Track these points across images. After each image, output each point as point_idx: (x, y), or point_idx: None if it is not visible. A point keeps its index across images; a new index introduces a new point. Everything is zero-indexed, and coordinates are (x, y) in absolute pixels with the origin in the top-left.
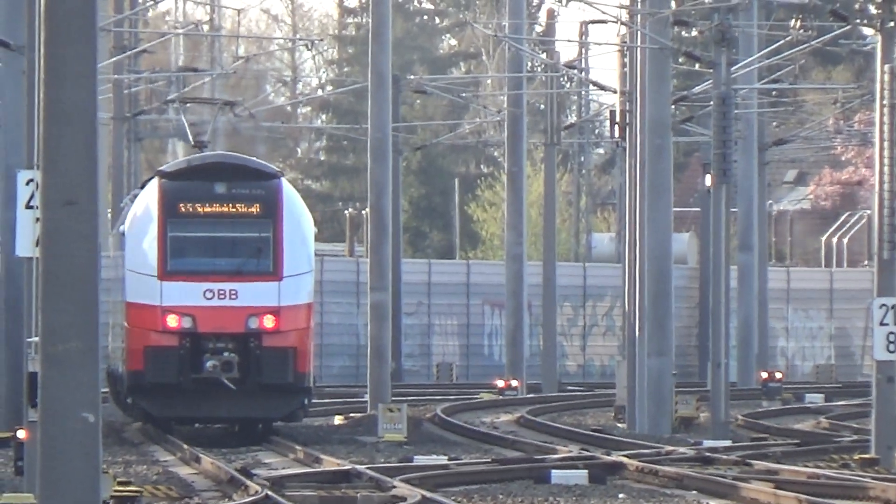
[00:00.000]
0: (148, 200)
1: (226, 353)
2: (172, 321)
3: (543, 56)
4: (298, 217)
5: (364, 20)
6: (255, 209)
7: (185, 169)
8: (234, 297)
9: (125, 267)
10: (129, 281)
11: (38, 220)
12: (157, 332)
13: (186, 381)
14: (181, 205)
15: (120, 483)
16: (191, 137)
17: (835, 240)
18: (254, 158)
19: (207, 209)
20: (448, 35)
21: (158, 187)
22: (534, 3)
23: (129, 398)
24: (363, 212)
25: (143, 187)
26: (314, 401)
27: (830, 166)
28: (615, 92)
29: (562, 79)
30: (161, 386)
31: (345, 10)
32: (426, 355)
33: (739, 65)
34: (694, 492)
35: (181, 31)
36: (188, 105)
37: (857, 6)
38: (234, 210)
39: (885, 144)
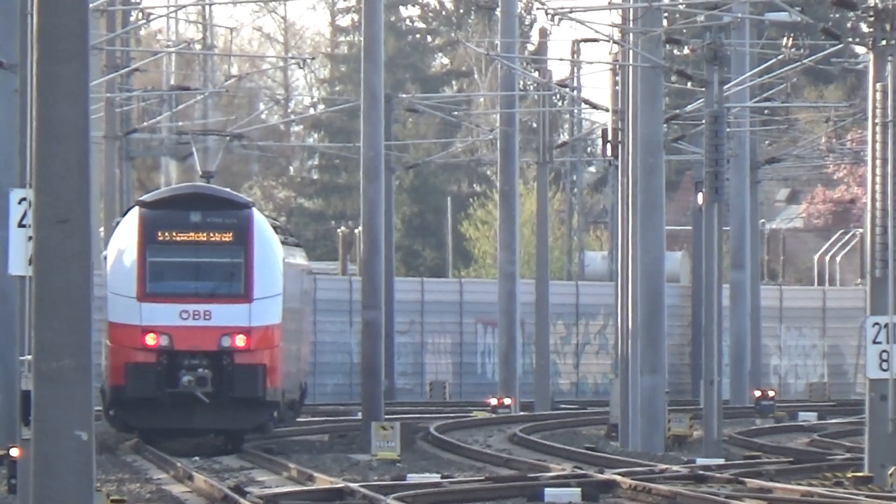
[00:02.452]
0: (128, 227)
1: (200, 370)
2: (151, 339)
3: (536, 74)
4: (268, 244)
5: (356, 39)
6: (227, 237)
7: (163, 199)
8: (208, 317)
9: (107, 289)
10: (111, 302)
11: (30, 238)
12: (137, 349)
13: (163, 394)
14: (159, 232)
15: (113, 501)
16: (199, 168)
17: (827, 258)
18: (227, 189)
19: (183, 236)
20: (440, 54)
21: (138, 216)
22: (526, 22)
23: (111, 411)
24: (356, 230)
25: (124, 215)
26: (308, 419)
27: (823, 185)
28: (607, 110)
29: (554, 97)
30: (140, 399)
31: (337, 29)
32: (419, 373)
33: (731, 83)
34: None
35: (173, 50)
36: (196, 136)
37: (849, 25)
38: (208, 237)
39: (878, 163)
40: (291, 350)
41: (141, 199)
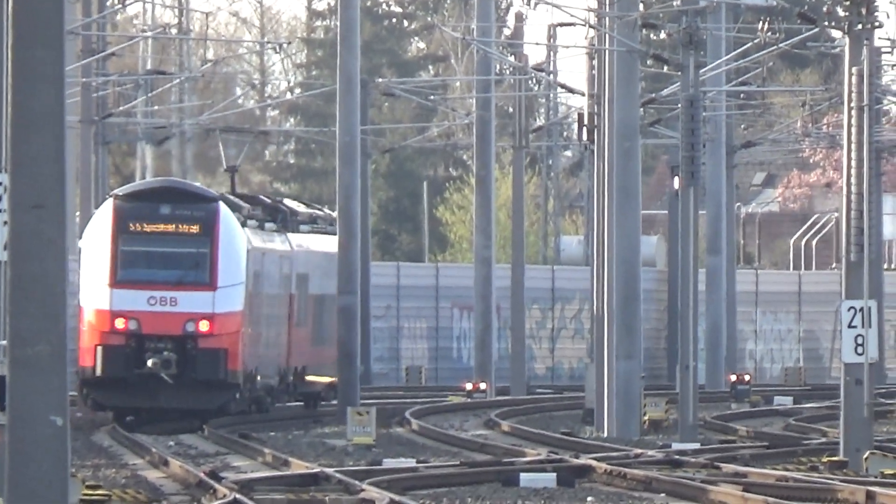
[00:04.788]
0: (103, 218)
1: (165, 353)
2: (120, 323)
3: (512, 59)
4: (233, 236)
5: (332, 23)
6: (194, 228)
7: (135, 192)
8: (174, 304)
9: (81, 275)
10: (85, 288)
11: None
12: (107, 332)
13: (131, 375)
14: (131, 223)
15: (89, 487)
16: (224, 163)
17: (803, 242)
18: (197, 184)
19: (153, 227)
20: (416, 38)
21: (112, 207)
22: (502, 7)
23: (83, 390)
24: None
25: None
26: (288, 404)
27: (799, 169)
28: (583, 95)
29: (530, 82)
30: (110, 379)
31: (313, 14)
32: (395, 358)
33: (707, 67)
34: (662, 494)
35: (149, 35)
36: (219, 132)
37: (825, 9)
38: (176, 229)
39: (853, 147)
40: (268, 336)
41: (115, 191)
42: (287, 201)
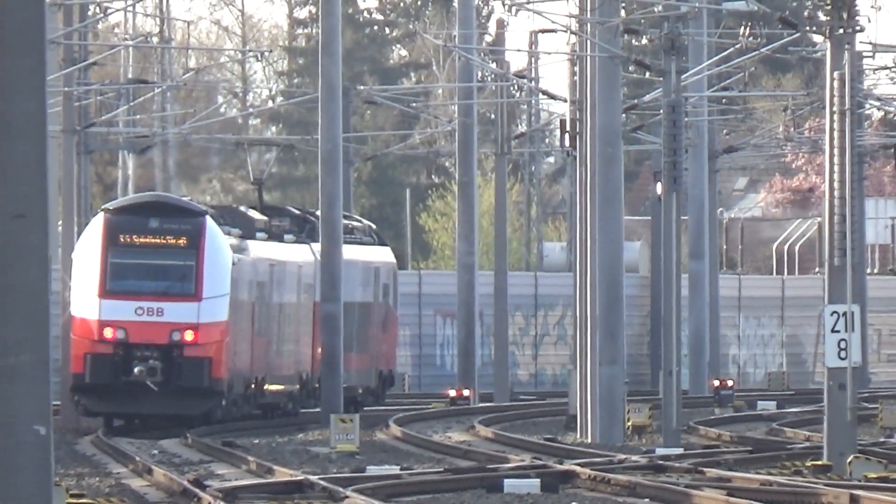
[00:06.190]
0: (94, 231)
1: (151, 361)
2: (108, 332)
3: (493, 66)
4: (218, 249)
5: (314, 31)
6: (181, 241)
7: (125, 206)
8: (160, 314)
9: (73, 286)
10: (76, 298)
11: None
12: (96, 341)
13: (118, 382)
14: (121, 236)
15: (72, 496)
16: (251, 175)
17: (786, 247)
18: (185, 198)
19: (142, 240)
20: (398, 45)
21: (103, 220)
22: (483, 13)
23: (75, 397)
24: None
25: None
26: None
27: (781, 174)
28: (565, 101)
29: (512, 88)
30: (98, 386)
31: (295, 22)
32: None
33: (689, 73)
34: (646, 500)
35: (131, 44)
36: (247, 145)
37: (806, 13)
38: (164, 241)
39: (836, 151)
40: (261, 344)
41: (106, 205)
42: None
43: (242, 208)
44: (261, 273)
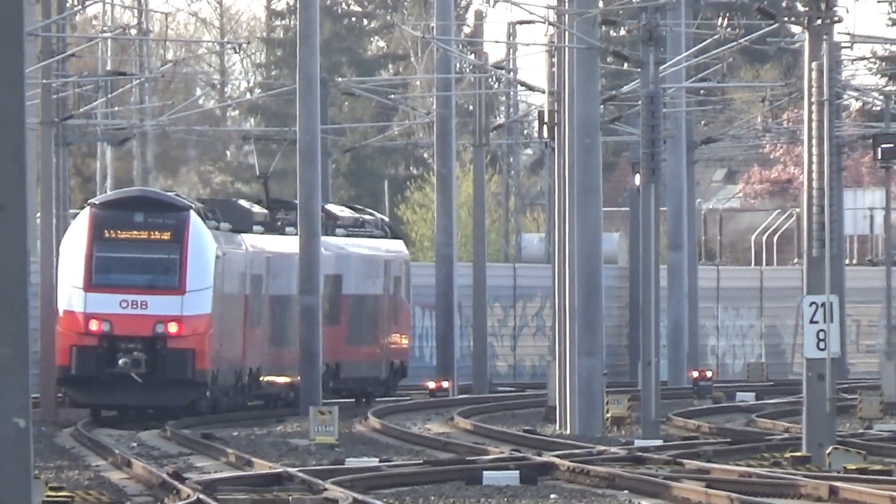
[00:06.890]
0: (80, 225)
1: (135, 353)
2: (94, 325)
3: (472, 57)
4: (202, 243)
5: (292, 23)
6: (165, 236)
7: (111, 201)
8: (144, 307)
9: (59, 280)
10: (62, 291)
11: None
12: (82, 333)
13: (104, 374)
14: (106, 230)
15: (52, 488)
16: (258, 170)
17: (764, 238)
18: (170, 193)
19: (127, 234)
20: (376, 37)
21: (89, 215)
22: (462, 5)
23: (60, 388)
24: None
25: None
26: (249, 404)
27: (759, 164)
28: (543, 92)
29: (490, 80)
30: (84, 378)
31: (272, 13)
32: None
33: (667, 64)
34: (625, 491)
35: (109, 35)
36: (253, 141)
37: (784, 4)
38: (148, 236)
39: (814, 142)
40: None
41: (92, 200)
42: (330, 206)
43: (244, 202)
44: (256, 265)
